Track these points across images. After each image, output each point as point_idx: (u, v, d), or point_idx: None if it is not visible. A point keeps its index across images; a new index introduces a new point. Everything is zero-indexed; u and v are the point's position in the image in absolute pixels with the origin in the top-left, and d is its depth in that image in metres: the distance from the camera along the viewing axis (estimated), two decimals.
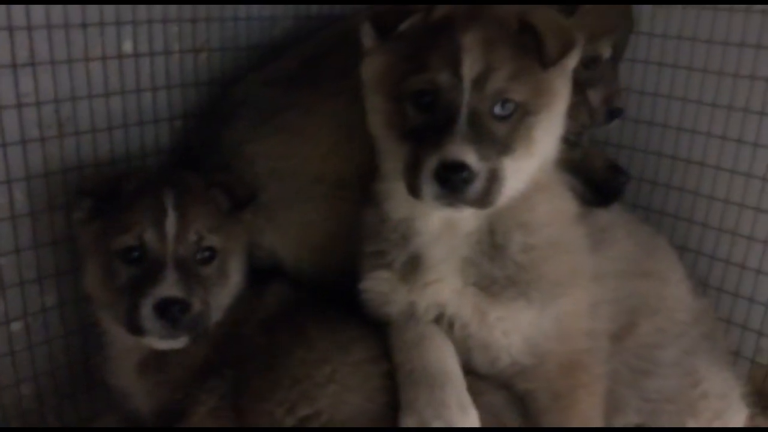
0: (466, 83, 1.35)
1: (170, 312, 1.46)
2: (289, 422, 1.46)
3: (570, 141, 1.77)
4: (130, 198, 1.56)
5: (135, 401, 1.66)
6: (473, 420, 1.42)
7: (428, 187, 1.34)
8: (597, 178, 1.80)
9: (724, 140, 1.94)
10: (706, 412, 1.71)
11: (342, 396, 1.48)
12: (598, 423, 1.59)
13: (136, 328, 1.49)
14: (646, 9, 2.01)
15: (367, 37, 1.45)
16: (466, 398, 1.44)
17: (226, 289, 1.63)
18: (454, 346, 1.53)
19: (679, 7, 1.96)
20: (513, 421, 1.54)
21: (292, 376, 1.51)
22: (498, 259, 1.50)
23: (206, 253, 1.57)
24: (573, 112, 1.69)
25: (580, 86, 1.76)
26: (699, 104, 1.97)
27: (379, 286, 1.57)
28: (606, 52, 1.80)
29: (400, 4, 1.44)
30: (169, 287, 1.48)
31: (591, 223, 1.70)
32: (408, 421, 1.40)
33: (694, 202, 2.03)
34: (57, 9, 1.59)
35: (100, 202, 1.57)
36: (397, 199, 1.51)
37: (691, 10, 1.93)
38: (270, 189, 1.73)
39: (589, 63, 1.74)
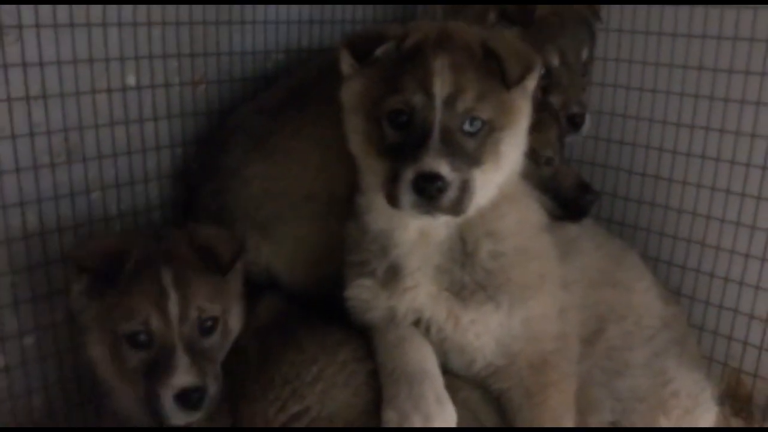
0: (438, 103, 1.46)
1: (190, 401, 1.53)
2: (281, 419, 1.57)
3: (542, 159, 1.91)
4: (130, 280, 1.57)
5: (135, 422, 1.72)
6: (450, 413, 1.52)
7: (406, 197, 1.45)
8: (566, 196, 1.91)
9: (689, 156, 2.07)
10: (676, 409, 1.80)
11: (329, 393, 1.59)
12: (569, 419, 1.69)
13: (157, 415, 1.55)
14: (612, 35, 2.16)
15: (345, 62, 1.58)
16: (444, 393, 1.55)
17: (228, 342, 1.69)
18: (432, 348, 1.64)
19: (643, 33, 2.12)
20: (489, 416, 1.66)
21: (283, 376, 1.61)
22: (468, 265, 1.61)
23: (209, 323, 1.62)
24: (542, 130, 1.84)
25: (549, 107, 1.91)
26: (664, 123, 2.11)
27: (362, 294, 1.68)
28: (554, 60, 1.93)
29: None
30: (184, 376, 1.53)
31: (561, 234, 1.83)
32: (389, 415, 1.51)
33: (665, 216, 2.15)
34: (66, 46, 1.73)
35: (99, 280, 1.59)
36: (376, 212, 1.63)
37: (653, 36, 2.09)
38: (264, 208, 1.84)
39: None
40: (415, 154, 1.44)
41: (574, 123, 1.95)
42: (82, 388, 1.93)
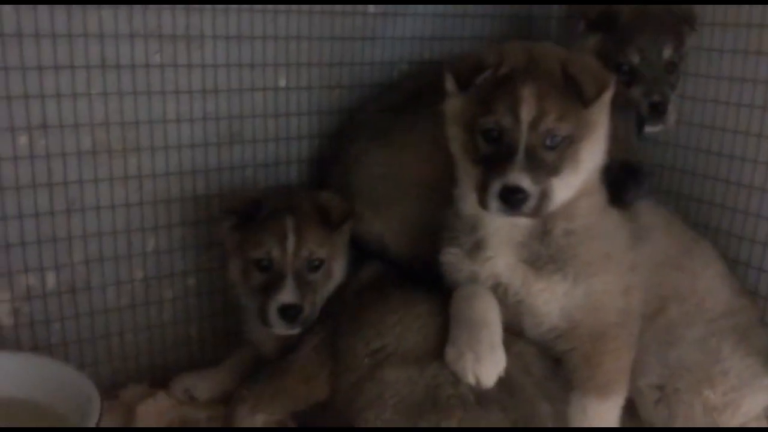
0: (524, 125, 1.71)
1: (288, 315, 1.97)
2: (365, 352, 1.93)
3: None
4: (262, 221, 2.03)
5: (263, 348, 2.19)
6: (500, 358, 1.79)
7: (494, 203, 1.72)
8: (610, 175, 1.96)
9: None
10: (722, 386, 1.95)
11: (404, 335, 1.93)
12: (621, 384, 1.90)
13: (264, 322, 2.00)
14: None
15: (450, 84, 1.84)
16: (498, 342, 1.81)
17: (330, 285, 2.10)
18: (497, 305, 1.89)
19: None
20: (540, 370, 1.90)
21: (371, 321, 1.98)
22: (544, 240, 1.86)
23: (315, 263, 2.05)
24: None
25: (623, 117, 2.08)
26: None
27: (451, 259, 1.97)
28: (634, 58, 2.14)
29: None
30: (288, 295, 1.98)
31: (636, 222, 2.03)
32: (449, 351, 1.82)
33: (745, 221, 2.29)
34: (234, 51, 2.23)
35: (242, 219, 2.06)
36: (468, 202, 1.89)
37: None
38: (379, 189, 2.18)
39: (620, 68, 2.09)
40: (503, 169, 1.70)
41: (657, 111, 2.11)
42: (228, 321, 2.40)
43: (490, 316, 1.87)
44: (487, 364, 1.77)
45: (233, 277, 2.13)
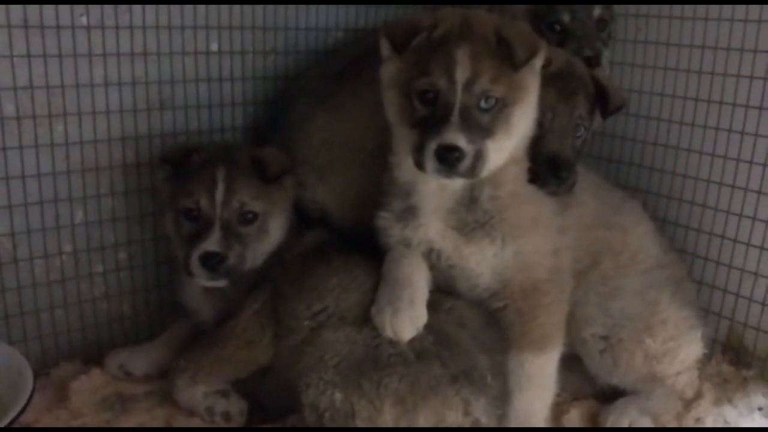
0: (459, 86, 1.74)
1: (210, 263, 1.93)
2: (306, 315, 1.94)
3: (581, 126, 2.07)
4: (194, 170, 2.01)
5: (201, 315, 2.15)
6: (418, 312, 1.85)
7: (430, 163, 1.75)
8: (536, 162, 1.99)
9: (694, 126, 2.32)
10: (662, 334, 2.04)
11: (342, 296, 1.95)
12: (556, 338, 1.95)
13: (188, 272, 1.97)
14: None
15: (385, 48, 1.86)
16: (419, 300, 1.87)
17: (266, 243, 2.07)
18: (425, 267, 1.93)
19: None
20: (473, 320, 1.94)
21: (312, 284, 1.99)
22: (472, 207, 1.91)
23: (249, 215, 2.01)
24: (570, 106, 2.05)
25: (575, 87, 2.08)
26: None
27: (381, 223, 2.00)
28: (565, 17, 2.19)
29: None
30: (212, 243, 1.94)
31: None
32: (373, 308, 1.88)
33: (672, 182, 2.40)
34: (164, 13, 2.15)
35: (175, 168, 2.04)
36: (403, 168, 1.92)
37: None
38: (322, 156, 2.16)
39: (552, 27, 2.14)
40: (439, 129, 1.73)
41: (590, 65, 2.14)
42: (162, 296, 2.35)
43: (414, 277, 1.91)
44: (404, 319, 1.83)
45: (167, 230, 2.09)
